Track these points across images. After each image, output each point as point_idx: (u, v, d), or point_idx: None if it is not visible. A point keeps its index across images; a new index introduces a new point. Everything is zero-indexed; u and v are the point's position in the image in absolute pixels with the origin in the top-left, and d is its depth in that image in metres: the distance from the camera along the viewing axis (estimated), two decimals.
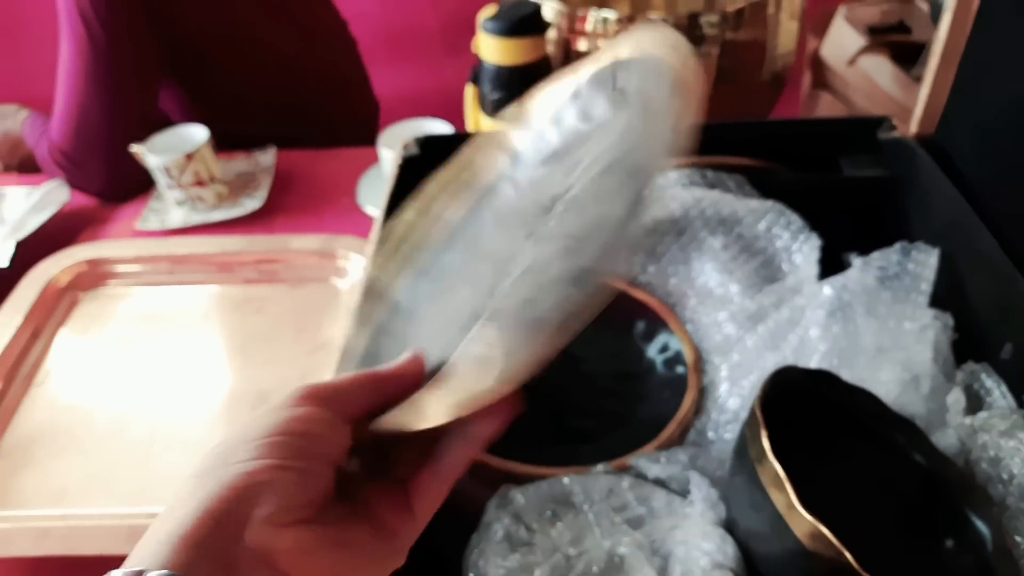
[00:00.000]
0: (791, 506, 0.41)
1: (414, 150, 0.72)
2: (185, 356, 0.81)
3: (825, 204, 0.70)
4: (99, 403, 0.76)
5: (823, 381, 0.53)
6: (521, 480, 0.51)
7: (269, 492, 0.29)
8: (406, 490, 0.34)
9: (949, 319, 0.60)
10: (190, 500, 0.29)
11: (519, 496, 0.48)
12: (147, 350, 0.82)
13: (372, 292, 0.43)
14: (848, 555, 0.40)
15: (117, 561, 0.27)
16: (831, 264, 0.65)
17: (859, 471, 0.54)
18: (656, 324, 0.67)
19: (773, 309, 0.62)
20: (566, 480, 0.50)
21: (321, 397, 0.32)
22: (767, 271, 0.67)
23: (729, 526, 0.48)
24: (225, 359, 0.81)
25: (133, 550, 0.28)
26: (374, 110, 1.36)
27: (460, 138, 0.78)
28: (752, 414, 0.45)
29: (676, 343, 0.64)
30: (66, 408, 0.75)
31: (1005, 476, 0.46)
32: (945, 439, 0.53)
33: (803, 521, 0.41)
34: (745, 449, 0.45)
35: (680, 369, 0.63)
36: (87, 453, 0.71)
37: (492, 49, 0.80)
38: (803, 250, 0.66)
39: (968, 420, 0.50)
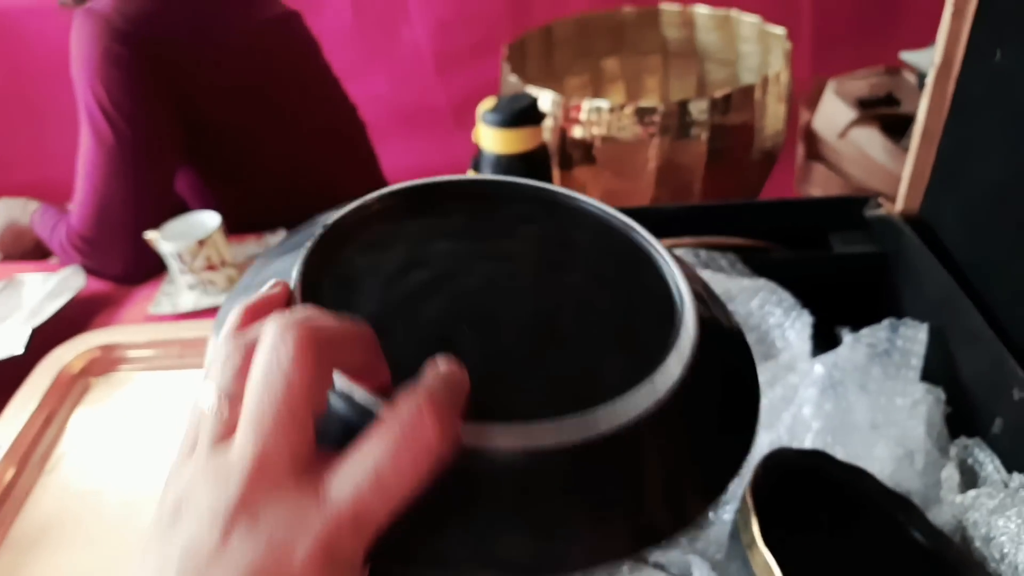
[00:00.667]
0: None
1: None
2: None
3: (816, 281, 0.72)
4: (111, 489, 0.77)
5: (818, 460, 0.54)
6: None
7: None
8: None
9: (941, 393, 0.61)
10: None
11: None
12: (158, 435, 0.83)
13: None
14: None
15: None
16: (824, 339, 0.67)
17: (857, 550, 0.54)
18: None
19: (768, 387, 0.63)
20: None
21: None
22: (761, 347, 0.69)
23: None
24: None
25: None
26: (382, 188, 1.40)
27: None
28: (743, 500, 0.46)
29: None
30: (77, 495, 0.76)
31: (997, 555, 0.46)
32: (941, 516, 0.53)
33: None
34: (738, 534, 0.46)
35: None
36: (97, 542, 0.72)
37: (491, 139, 0.84)
38: (795, 327, 0.67)
39: (959, 498, 0.51)
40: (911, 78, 1.36)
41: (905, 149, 1.15)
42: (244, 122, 1.16)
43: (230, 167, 1.18)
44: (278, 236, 1.12)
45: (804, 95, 1.41)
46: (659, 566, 0.52)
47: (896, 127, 1.23)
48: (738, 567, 0.46)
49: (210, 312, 1.00)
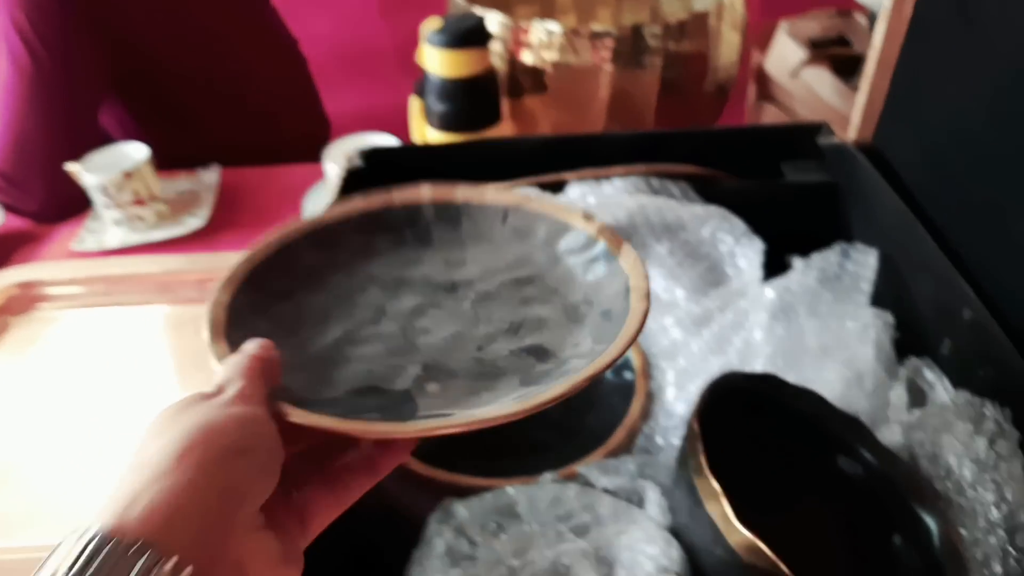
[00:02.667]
0: (727, 520, 0.40)
1: (358, 163, 0.71)
2: (124, 380, 0.78)
3: (768, 210, 0.70)
4: (36, 430, 0.72)
5: (767, 384, 0.53)
6: (466, 492, 0.49)
7: (252, 495, 0.29)
8: (303, 502, 0.33)
9: (890, 317, 0.60)
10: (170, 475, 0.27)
11: (461, 509, 0.47)
12: (85, 375, 0.79)
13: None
14: (784, 568, 0.39)
15: None
16: (775, 268, 0.65)
17: (806, 471, 0.53)
18: None
19: (718, 312, 0.61)
20: (511, 491, 0.49)
21: (252, 397, 0.32)
22: (712, 276, 0.67)
23: (675, 533, 0.47)
24: (166, 381, 0.78)
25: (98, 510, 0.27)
26: (324, 128, 1.35)
27: (405, 151, 0.78)
28: (689, 427, 0.44)
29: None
30: (1, 437, 0.72)
31: (943, 472, 0.46)
32: (890, 436, 0.53)
33: (739, 535, 0.40)
34: (686, 460, 0.44)
35: (628, 375, 0.62)
36: (27, 481, 0.68)
37: (436, 61, 0.79)
38: (747, 254, 0.66)
39: (906, 418, 0.50)
40: (862, 20, 1.35)
41: (855, 89, 1.15)
42: (174, 52, 1.09)
43: (159, 99, 1.11)
44: (211, 172, 1.07)
45: (756, 38, 1.40)
46: (610, 492, 0.50)
47: (847, 67, 1.22)
48: (684, 493, 0.44)
49: (139, 249, 0.95)
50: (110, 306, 0.87)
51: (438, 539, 0.44)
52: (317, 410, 0.34)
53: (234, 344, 0.37)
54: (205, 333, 0.39)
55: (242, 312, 0.41)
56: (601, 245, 0.47)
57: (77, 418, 0.74)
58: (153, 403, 0.75)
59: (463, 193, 0.51)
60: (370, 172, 0.71)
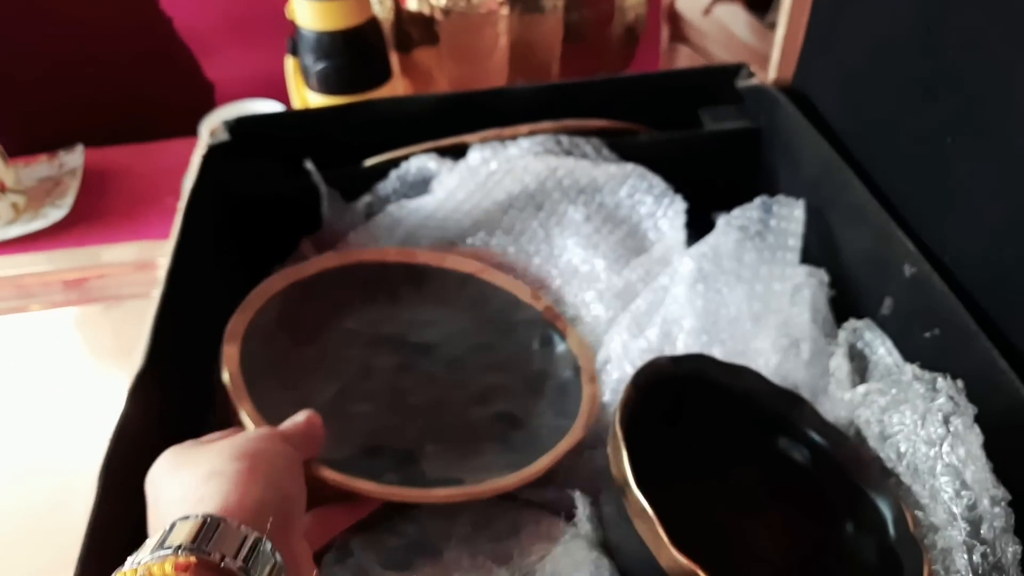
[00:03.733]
0: (659, 539, 0.35)
1: (223, 136, 0.62)
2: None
3: (688, 163, 0.65)
4: None
5: (694, 364, 0.47)
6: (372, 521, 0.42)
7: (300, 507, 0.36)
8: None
9: (824, 275, 0.56)
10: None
11: (357, 545, 0.40)
12: None
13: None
14: None
15: None
16: (700, 226, 0.60)
17: (747, 460, 0.48)
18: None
19: (642, 284, 0.56)
20: (421, 521, 0.42)
21: (290, 440, 0.38)
22: (633, 241, 0.61)
23: (605, 546, 0.41)
24: (34, 397, 0.69)
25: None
26: (206, 96, 1.22)
27: (276, 118, 0.69)
28: (612, 435, 0.38)
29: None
30: None
31: (894, 455, 0.42)
32: (833, 409, 0.48)
33: (672, 557, 0.34)
34: (611, 472, 0.38)
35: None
36: None
37: (307, 12, 0.69)
38: (668, 215, 0.60)
39: (848, 395, 0.46)
40: None
41: (770, 26, 1.10)
42: (19, 15, 0.95)
43: (6, 73, 0.98)
44: (74, 153, 0.94)
45: None
46: (537, 504, 0.44)
47: (760, 4, 1.17)
48: (613, 507, 0.39)
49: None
50: None
51: None
52: (341, 471, 0.40)
53: (254, 399, 0.43)
54: (230, 389, 0.43)
55: (252, 367, 0.45)
56: (549, 326, 0.55)
57: None
58: (15, 425, 0.65)
59: (424, 256, 0.58)
60: (238, 145, 0.62)
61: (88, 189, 0.91)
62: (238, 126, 0.62)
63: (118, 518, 0.37)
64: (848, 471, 0.46)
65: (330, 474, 0.39)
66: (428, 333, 0.55)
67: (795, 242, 0.57)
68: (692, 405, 0.47)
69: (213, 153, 0.60)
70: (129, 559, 0.28)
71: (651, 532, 0.35)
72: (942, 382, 0.40)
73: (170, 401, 0.47)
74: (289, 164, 0.62)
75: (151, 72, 1.10)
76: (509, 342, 0.55)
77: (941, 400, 0.39)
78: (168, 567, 0.26)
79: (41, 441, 0.65)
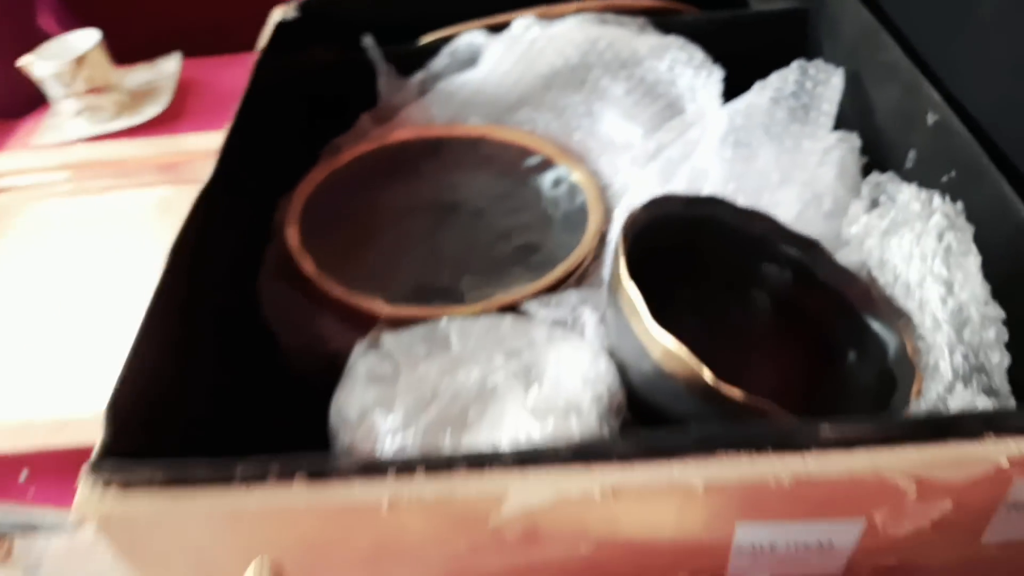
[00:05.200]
0: (646, 330, 0.38)
1: (292, 14, 0.67)
2: (92, 266, 0.77)
3: (734, 43, 0.66)
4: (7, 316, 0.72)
5: (709, 206, 0.49)
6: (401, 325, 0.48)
7: None
8: None
9: (856, 140, 0.57)
10: None
11: (389, 337, 0.45)
12: (49, 265, 0.77)
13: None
14: (706, 371, 0.37)
15: None
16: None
17: (756, 297, 0.51)
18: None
19: (670, 144, 0.58)
20: (443, 321, 0.47)
21: None
22: (670, 112, 0.63)
23: (610, 355, 0.45)
24: (132, 266, 0.77)
25: None
26: None
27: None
28: (616, 244, 0.41)
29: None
30: None
31: (891, 278, 0.43)
32: (847, 255, 0.50)
33: (656, 343, 0.37)
34: (611, 277, 0.42)
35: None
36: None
37: None
38: (706, 85, 0.62)
39: (855, 229, 0.47)
40: None
41: None
42: None
43: None
44: (171, 60, 1.03)
45: None
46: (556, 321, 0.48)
47: None
48: (613, 311, 0.42)
49: (101, 139, 0.92)
50: (75, 196, 0.85)
51: (361, 362, 0.43)
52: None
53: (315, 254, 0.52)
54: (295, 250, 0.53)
55: (311, 233, 0.54)
56: (557, 166, 0.62)
57: (42, 306, 0.73)
58: (118, 287, 0.74)
59: (436, 130, 0.65)
60: (306, 24, 0.67)
61: (182, 93, 0.99)
62: (307, 6, 0.68)
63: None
64: (857, 309, 0.47)
65: (387, 308, 0.48)
66: (452, 194, 0.62)
67: (830, 107, 0.58)
68: (703, 246, 0.50)
69: (282, 30, 0.66)
70: None
71: (641, 327, 0.38)
72: (938, 201, 0.42)
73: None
74: (351, 42, 0.67)
75: None
76: (524, 187, 0.62)
77: (936, 218, 0.41)
78: None
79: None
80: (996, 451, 0.32)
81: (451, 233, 0.60)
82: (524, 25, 0.63)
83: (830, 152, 0.55)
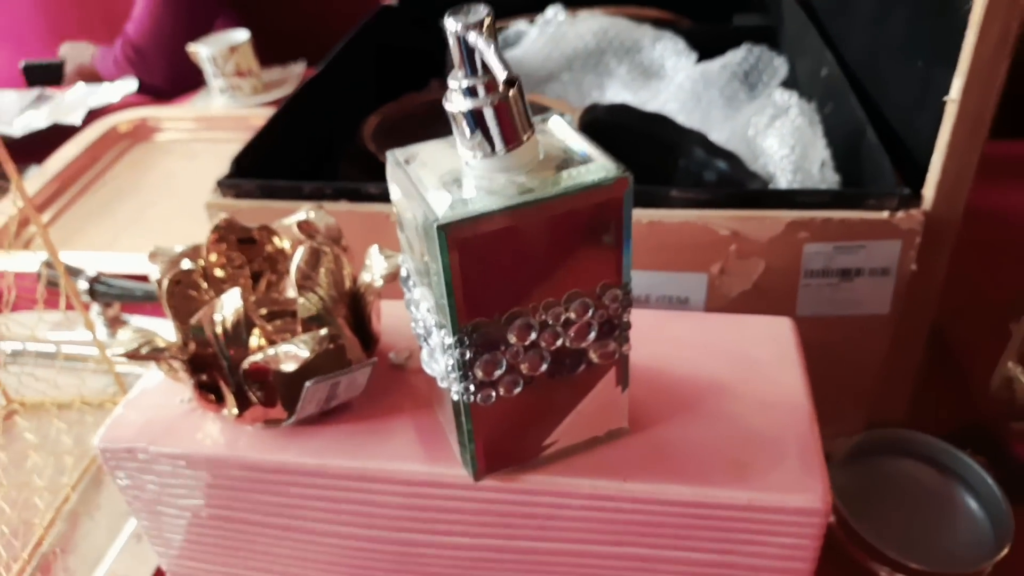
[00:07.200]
0: None
1: (394, 2, 0.92)
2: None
3: (715, 48, 0.86)
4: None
5: (622, 114, 0.68)
6: None
7: None
8: None
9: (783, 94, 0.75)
10: None
11: None
12: (182, 183, 1.03)
13: None
14: None
15: None
16: None
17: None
18: None
19: (651, 98, 0.78)
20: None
21: None
22: (659, 84, 0.84)
23: None
24: None
25: None
26: None
27: None
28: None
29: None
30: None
31: (758, 155, 0.61)
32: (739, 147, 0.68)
33: None
34: None
35: None
36: None
37: None
38: (681, 62, 0.82)
39: (750, 131, 0.65)
40: None
41: None
42: None
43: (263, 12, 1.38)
44: (299, 64, 1.31)
45: None
46: None
47: None
48: None
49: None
50: (211, 143, 1.12)
51: None
52: None
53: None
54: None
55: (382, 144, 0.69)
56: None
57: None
58: None
59: None
60: (404, 8, 0.92)
61: None
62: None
63: None
64: (736, 182, 0.65)
65: None
66: None
67: (768, 79, 0.77)
68: (649, 146, 0.69)
69: (385, 12, 0.90)
70: None
71: None
72: (794, 97, 0.60)
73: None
74: (435, 26, 0.91)
75: None
76: None
77: (793, 109, 0.59)
78: None
79: None
80: (787, 215, 0.49)
81: None
82: (554, 11, 0.86)
83: (765, 108, 0.74)
